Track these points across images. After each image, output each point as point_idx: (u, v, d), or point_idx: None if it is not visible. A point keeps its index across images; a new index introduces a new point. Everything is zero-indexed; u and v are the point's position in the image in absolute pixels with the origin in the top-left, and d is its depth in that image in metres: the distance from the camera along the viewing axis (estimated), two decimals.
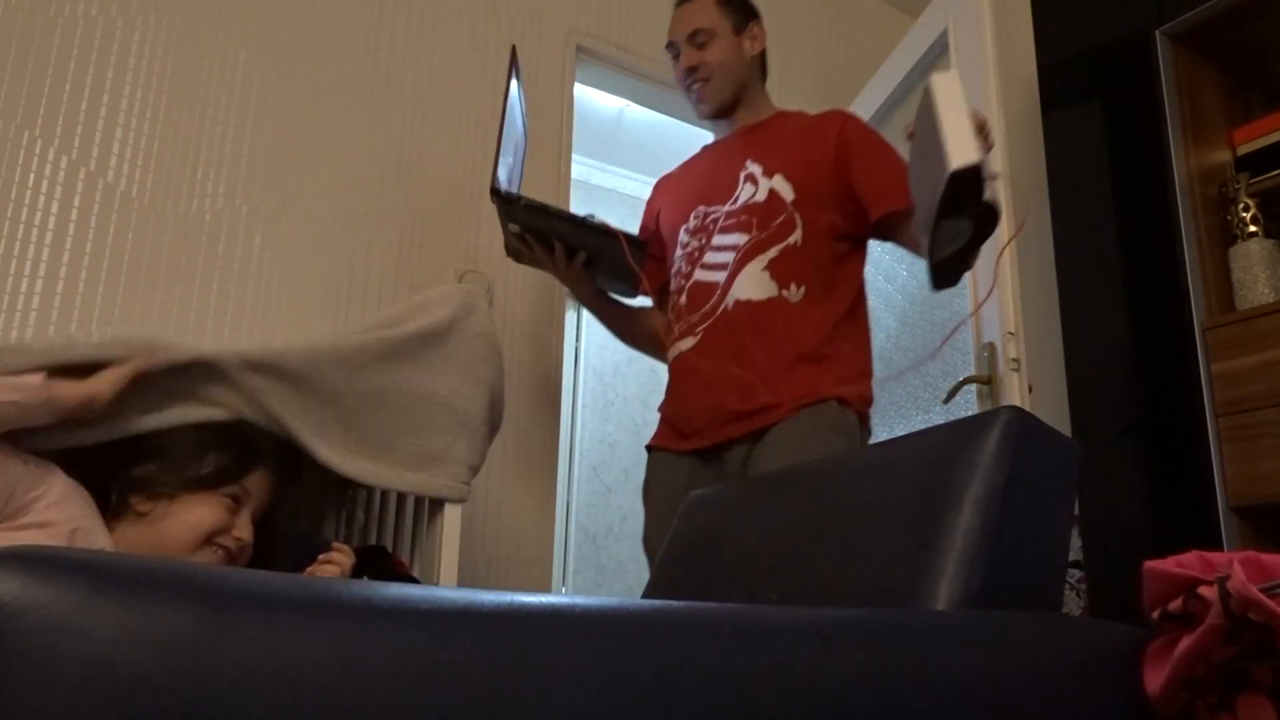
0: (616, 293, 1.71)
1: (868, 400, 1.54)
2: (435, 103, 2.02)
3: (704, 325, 1.56)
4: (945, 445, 0.82)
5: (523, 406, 1.98)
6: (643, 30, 2.37)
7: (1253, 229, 2.11)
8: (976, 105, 2.03)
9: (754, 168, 1.59)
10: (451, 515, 1.43)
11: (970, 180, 1.05)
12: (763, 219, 1.54)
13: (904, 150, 1.32)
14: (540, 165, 2.13)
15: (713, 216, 1.60)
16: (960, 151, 1.05)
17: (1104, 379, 2.43)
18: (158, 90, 1.74)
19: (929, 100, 1.11)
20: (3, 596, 0.35)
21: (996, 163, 1.18)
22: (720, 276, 1.55)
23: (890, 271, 2.43)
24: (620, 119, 3.73)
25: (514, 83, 1.56)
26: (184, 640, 0.37)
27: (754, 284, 1.52)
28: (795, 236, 1.52)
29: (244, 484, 1.19)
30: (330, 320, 1.80)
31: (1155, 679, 0.69)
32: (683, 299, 1.61)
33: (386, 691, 0.40)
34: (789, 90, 2.62)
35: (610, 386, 4.21)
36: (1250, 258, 2.09)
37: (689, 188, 1.70)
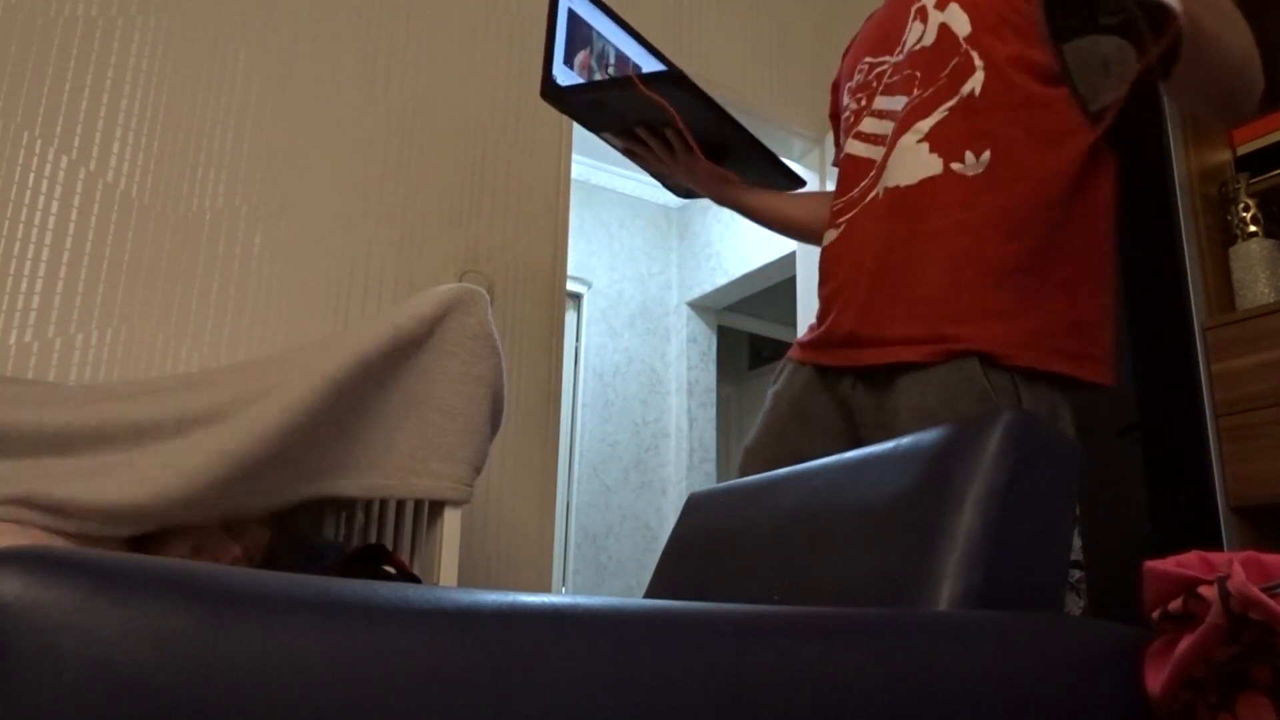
0: (770, 184, 1.39)
1: (1064, 346, 1.04)
2: (435, 103, 2.02)
3: (847, 216, 1.17)
4: (946, 445, 0.82)
5: (523, 406, 1.98)
6: (643, 30, 2.37)
7: (1253, 229, 2.11)
8: None
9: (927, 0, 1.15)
10: (452, 515, 1.44)
11: None
12: (928, 70, 1.11)
13: None
14: (541, 165, 2.13)
15: (878, 70, 1.20)
16: None
17: None
18: (158, 90, 1.74)
19: None
20: (4, 596, 0.35)
21: None
22: (876, 152, 1.15)
23: None
24: None
25: None
26: (185, 640, 0.37)
27: (906, 163, 1.09)
28: (974, 82, 1.07)
29: None
30: (330, 320, 1.80)
31: (1156, 679, 0.69)
32: (838, 179, 1.24)
33: (387, 691, 0.40)
34: (788, 91, 2.62)
35: (610, 386, 4.22)
36: (1250, 258, 2.09)
37: (866, 34, 1.28)
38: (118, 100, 1.70)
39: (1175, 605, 0.68)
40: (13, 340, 1.52)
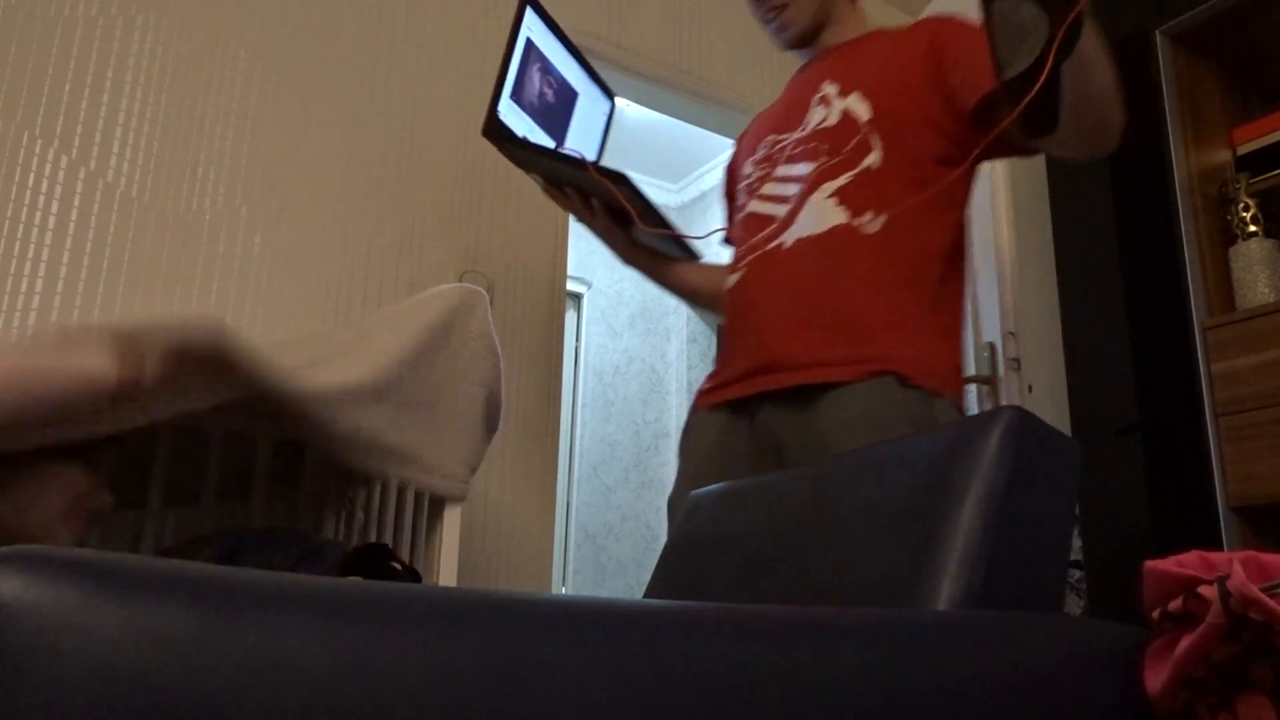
0: (667, 250, 1.52)
1: (952, 378, 1.20)
2: (435, 103, 2.02)
3: (749, 258, 1.32)
4: (946, 445, 0.82)
5: (523, 406, 1.98)
6: (643, 30, 2.37)
7: (1253, 229, 2.12)
8: None
9: (829, 89, 1.33)
10: (452, 515, 1.44)
11: None
12: (834, 144, 1.27)
13: None
14: None
15: (780, 145, 1.36)
16: None
17: (1104, 379, 2.43)
18: (158, 90, 1.74)
19: None
20: (4, 596, 0.35)
21: None
22: (779, 210, 1.30)
23: None
24: (620, 119, 3.73)
25: (532, 19, 1.42)
26: (186, 639, 0.37)
27: (818, 214, 1.24)
28: (873, 159, 1.24)
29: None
30: (330, 320, 1.80)
31: (1156, 679, 0.69)
32: (736, 233, 1.40)
33: (388, 690, 0.40)
34: None
35: (610, 386, 4.22)
36: (1250, 258, 2.09)
37: (766, 118, 1.46)
38: (118, 100, 1.70)
39: (1175, 605, 0.68)
40: (13, 340, 1.52)
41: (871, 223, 1.21)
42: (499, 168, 2.07)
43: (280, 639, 0.39)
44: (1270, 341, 1.95)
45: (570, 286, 4.16)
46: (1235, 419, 1.97)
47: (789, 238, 1.26)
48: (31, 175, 1.59)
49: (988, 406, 1.94)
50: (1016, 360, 1.86)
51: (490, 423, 1.49)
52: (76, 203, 1.62)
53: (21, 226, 1.57)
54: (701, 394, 1.37)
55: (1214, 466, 1.98)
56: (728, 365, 1.32)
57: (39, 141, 1.61)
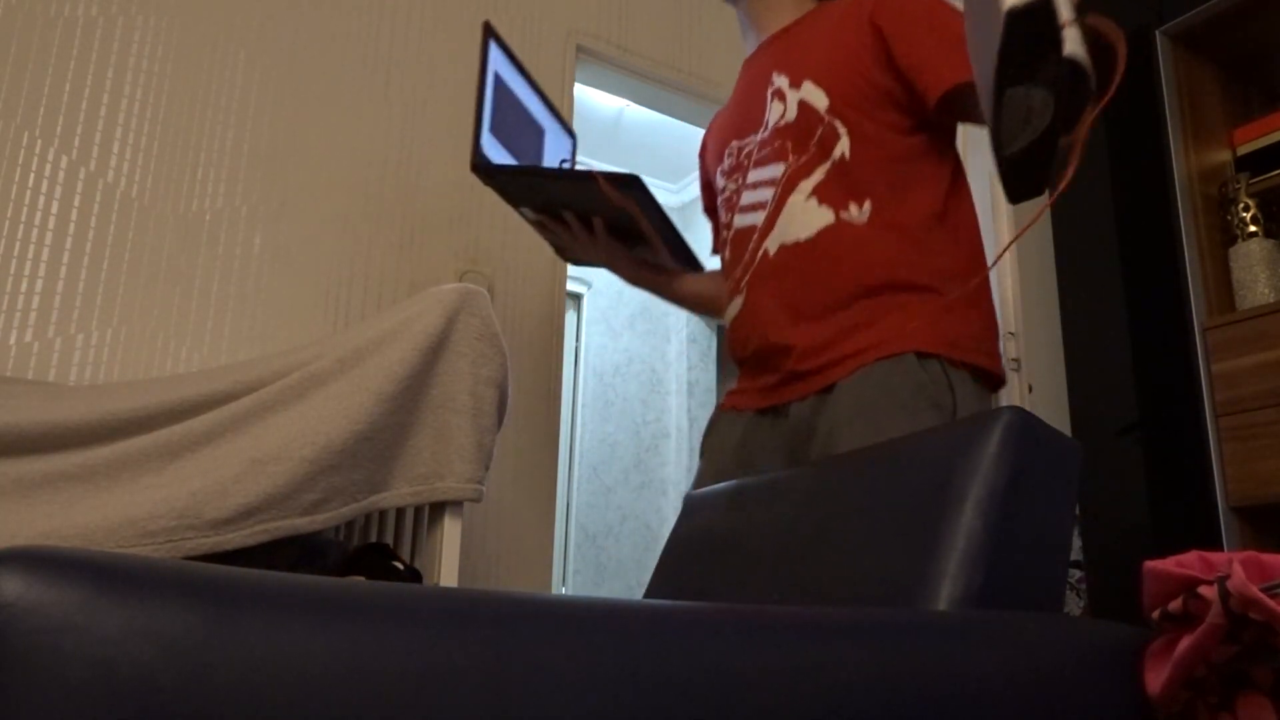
0: (674, 263, 1.49)
1: (976, 345, 1.18)
2: (435, 103, 2.02)
3: (746, 278, 1.30)
4: (946, 445, 0.82)
5: (523, 406, 1.99)
6: (643, 30, 2.37)
7: (1253, 229, 2.12)
8: None
9: (780, 81, 1.31)
10: (453, 515, 1.44)
11: (1039, 22, 0.74)
12: (798, 139, 1.26)
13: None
14: None
15: (746, 150, 1.34)
16: None
17: (1104, 379, 2.43)
18: (158, 90, 1.74)
19: None
20: (6, 596, 0.35)
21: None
22: (758, 218, 1.29)
23: None
24: (620, 119, 3.73)
25: (496, 54, 1.41)
26: (187, 640, 0.37)
27: (801, 218, 1.24)
28: (841, 148, 1.23)
29: None
30: (331, 320, 1.80)
31: (1156, 679, 0.69)
32: (726, 253, 1.37)
33: (389, 691, 0.40)
34: None
35: (610, 386, 4.22)
36: (1250, 258, 2.09)
37: (724, 122, 1.44)
38: (118, 100, 1.70)
39: (1175, 605, 0.68)
40: (13, 340, 1.52)
41: (858, 214, 1.21)
42: None
43: (282, 639, 0.39)
44: (1270, 341, 1.95)
45: (570, 286, 4.16)
46: (1235, 419, 1.97)
47: (772, 244, 1.26)
48: (31, 175, 1.59)
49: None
50: (1016, 360, 1.86)
51: (501, 415, 1.51)
52: (76, 203, 1.62)
53: (21, 226, 1.57)
54: (734, 394, 1.36)
55: (1214, 466, 1.98)
56: (754, 377, 1.31)
57: (39, 141, 1.61)
